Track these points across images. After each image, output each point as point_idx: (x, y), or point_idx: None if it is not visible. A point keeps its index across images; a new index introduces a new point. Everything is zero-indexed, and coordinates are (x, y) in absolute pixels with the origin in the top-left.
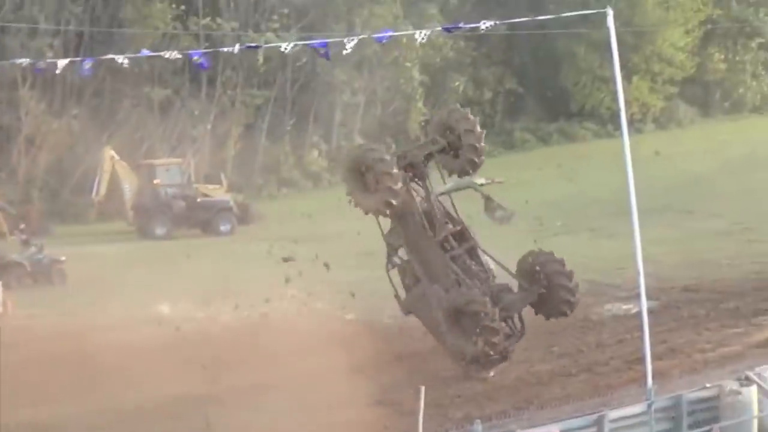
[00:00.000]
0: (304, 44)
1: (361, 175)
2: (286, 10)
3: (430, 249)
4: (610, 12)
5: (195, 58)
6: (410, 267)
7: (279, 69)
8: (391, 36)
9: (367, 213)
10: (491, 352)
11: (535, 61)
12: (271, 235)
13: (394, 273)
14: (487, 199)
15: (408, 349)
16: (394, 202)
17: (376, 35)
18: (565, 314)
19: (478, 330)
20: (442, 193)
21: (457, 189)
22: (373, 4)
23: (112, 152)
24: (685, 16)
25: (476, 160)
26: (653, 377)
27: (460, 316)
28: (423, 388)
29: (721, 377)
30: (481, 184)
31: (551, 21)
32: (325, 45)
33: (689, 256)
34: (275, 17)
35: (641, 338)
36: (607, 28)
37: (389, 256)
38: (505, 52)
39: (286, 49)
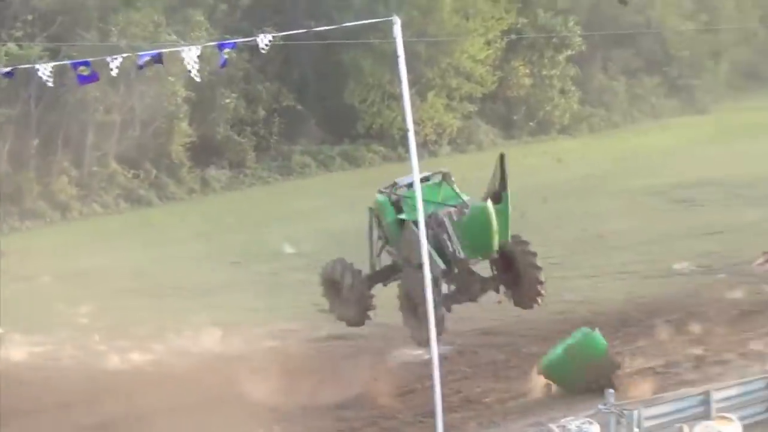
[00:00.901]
0: (62, 64)
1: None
2: (30, 17)
3: None
4: (397, 20)
5: None
6: None
7: (21, 84)
8: (160, 53)
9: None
10: None
11: (317, 76)
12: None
13: None
14: None
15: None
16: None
17: (143, 54)
18: (531, 307)
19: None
20: None
21: None
22: (129, 10)
23: None
24: (486, 26)
25: None
26: (447, 431)
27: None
28: None
29: (522, 430)
30: None
31: (334, 31)
32: (89, 64)
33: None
34: (18, 24)
35: (432, 388)
36: (394, 39)
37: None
38: (282, 65)
39: (37, 69)
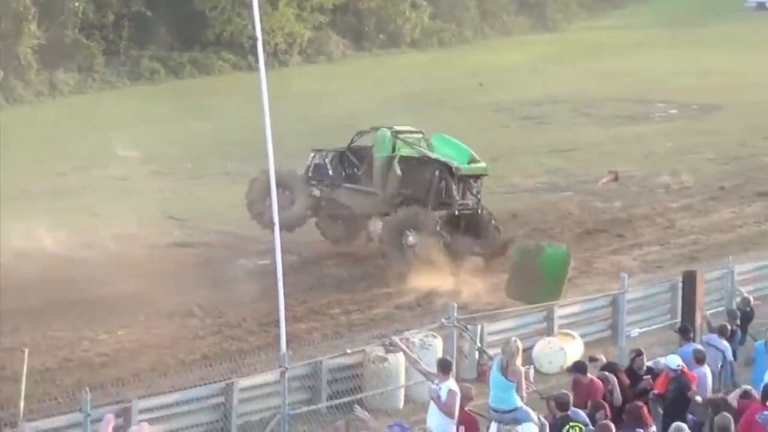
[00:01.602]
0: None
1: None
2: None
3: None
4: None
5: None
6: None
7: None
8: None
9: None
10: None
11: None
12: None
13: None
14: None
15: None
16: None
17: None
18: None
19: None
20: None
21: None
22: None
23: None
24: None
25: None
26: (290, 341)
27: None
28: (27, 351)
29: (367, 342)
30: None
31: None
32: None
33: None
34: None
35: (276, 297)
36: None
37: None
38: None
39: None
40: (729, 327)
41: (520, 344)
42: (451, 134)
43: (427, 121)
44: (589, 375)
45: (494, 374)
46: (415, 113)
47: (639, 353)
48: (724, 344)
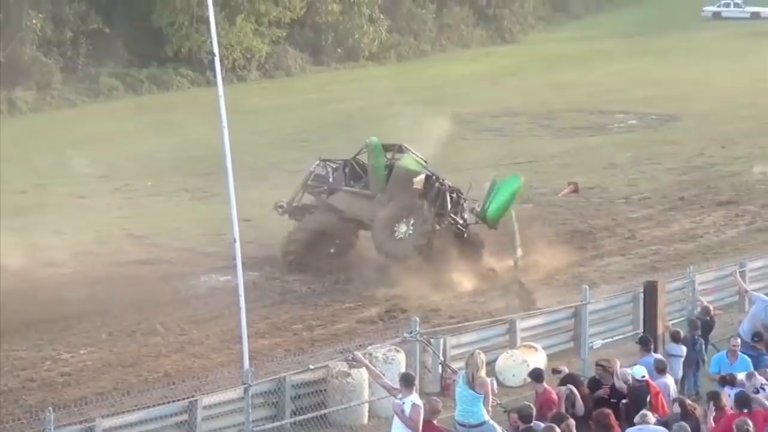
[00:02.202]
0: None
1: None
2: None
3: None
4: None
5: None
6: None
7: None
8: None
9: None
10: None
11: None
12: None
13: None
14: None
15: None
16: None
17: None
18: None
19: None
20: None
21: None
22: None
23: None
24: None
25: None
26: (253, 358)
27: None
28: None
29: (330, 357)
30: None
31: None
32: None
33: None
34: None
35: (239, 314)
36: None
37: None
38: None
39: None
40: (681, 332)
41: (483, 357)
42: (410, 146)
43: (387, 133)
44: (544, 384)
45: (461, 388)
46: (374, 125)
47: (606, 367)
48: (680, 348)
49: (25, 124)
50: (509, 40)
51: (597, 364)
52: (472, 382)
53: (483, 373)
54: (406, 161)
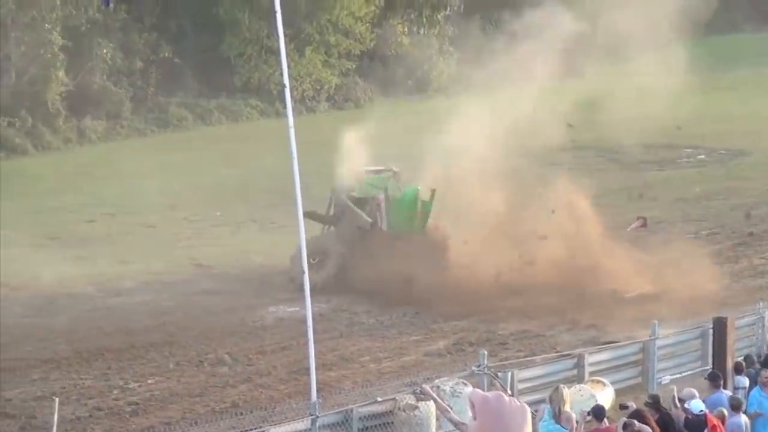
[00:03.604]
0: None
1: None
2: None
3: None
4: None
5: None
6: None
7: None
8: None
9: None
10: None
11: (195, 28)
12: None
13: None
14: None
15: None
16: None
17: None
18: None
19: None
20: None
21: None
22: None
23: None
24: None
25: None
26: (321, 389)
27: None
28: (57, 400)
29: (397, 390)
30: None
31: None
32: None
33: None
34: None
35: (306, 345)
36: None
37: None
38: (160, 17)
39: None
40: (744, 363)
41: (567, 391)
42: (478, 181)
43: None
44: (605, 423)
45: (546, 422)
46: (443, 159)
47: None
48: (743, 381)
49: (95, 154)
50: (577, 74)
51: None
52: (558, 417)
53: (568, 407)
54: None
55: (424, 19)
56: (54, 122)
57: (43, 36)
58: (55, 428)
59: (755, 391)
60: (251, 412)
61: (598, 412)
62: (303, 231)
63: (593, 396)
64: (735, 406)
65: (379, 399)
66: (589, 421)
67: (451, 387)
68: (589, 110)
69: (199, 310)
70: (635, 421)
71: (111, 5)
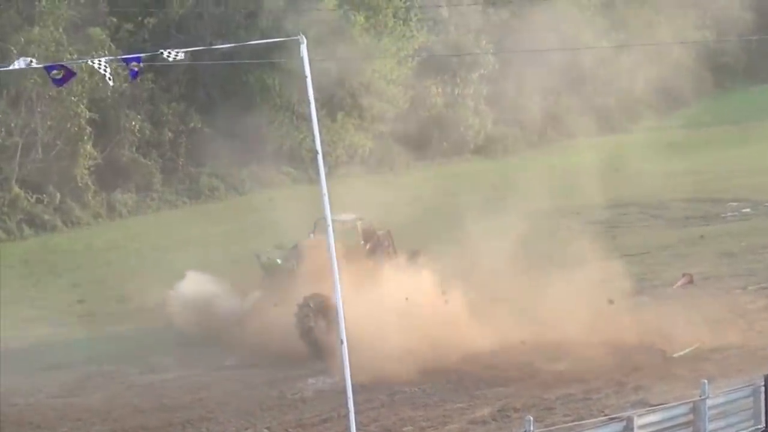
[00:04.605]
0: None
1: None
2: None
3: None
4: (303, 40)
5: None
6: None
7: None
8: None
9: None
10: None
11: (224, 97)
12: None
13: None
14: None
15: None
16: None
17: (51, 66)
18: None
19: None
20: None
21: None
22: (30, 28)
23: None
24: (397, 45)
25: None
26: None
27: None
28: None
29: None
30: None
31: (241, 50)
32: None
33: None
34: None
35: (347, 416)
36: (301, 58)
37: None
38: (188, 86)
39: None
40: None
41: None
42: (510, 240)
43: (492, 226)
44: None
45: None
46: (480, 220)
47: None
48: None
49: (126, 228)
50: (617, 129)
51: None
52: None
53: None
54: None
55: (458, 79)
56: (83, 197)
57: (69, 109)
58: None
59: None
60: None
61: None
62: (340, 302)
63: None
64: None
65: None
66: None
67: None
68: (628, 166)
69: (236, 383)
70: None
71: (138, 76)
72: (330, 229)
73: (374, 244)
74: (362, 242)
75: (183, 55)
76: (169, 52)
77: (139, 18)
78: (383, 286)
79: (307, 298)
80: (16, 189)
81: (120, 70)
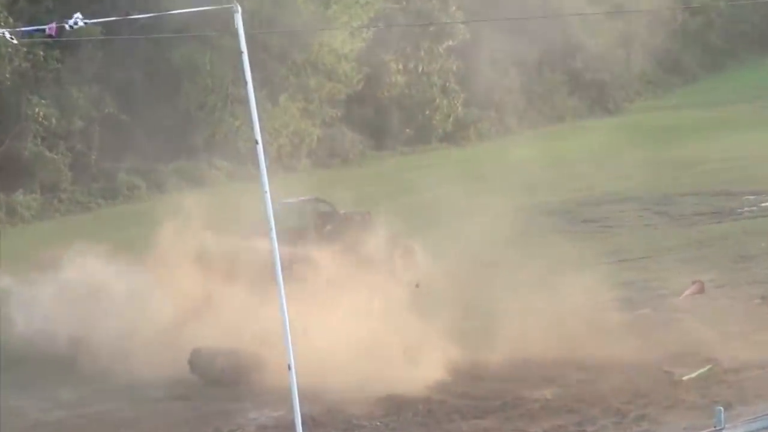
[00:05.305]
0: None
1: None
2: None
3: None
4: (237, 9)
5: None
6: None
7: None
8: None
9: None
10: None
11: (146, 78)
12: None
13: None
14: None
15: None
16: None
17: None
18: None
19: None
20: None
21: None
22: None
23: None
24: (349, 13)
25: None
26: None
27: None
28: None
29: None
30: None
31: (164, 23)
32: None
33: None
34: None
35: None
36: (236, 30)
37: None
38: (102, 66)
39: None
40: None
41: None
42: (494, 245)
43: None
44: None
45: None
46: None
47: None
48: None
49: (30, 234)
50: (611, 110)
51: None
52: None
53: None
54: None
55: (423, 53)
56: None
57: None
58: None
59: None
60: None
61: None
62: (286, 315)
63: None
64: None
65: None
66: None
67: None
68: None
69: (165, 418)
70: None
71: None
72: (273, 233)
73: (337, 225)
74: (319, 224)
75: (83, 23)
76: (75, 21)
77: None
78: (343, 285)
79: None
80: None
81: (15, 49)
